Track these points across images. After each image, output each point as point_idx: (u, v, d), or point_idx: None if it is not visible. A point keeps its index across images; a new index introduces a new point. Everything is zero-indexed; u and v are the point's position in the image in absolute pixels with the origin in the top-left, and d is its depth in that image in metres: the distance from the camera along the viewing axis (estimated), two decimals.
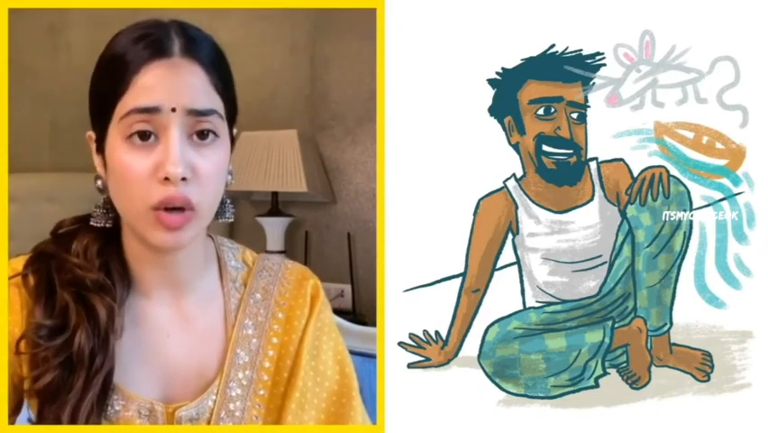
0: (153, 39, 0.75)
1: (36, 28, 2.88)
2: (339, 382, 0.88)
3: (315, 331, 0.88)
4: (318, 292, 0.91)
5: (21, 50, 2.79)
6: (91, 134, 0.81)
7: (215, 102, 0.77)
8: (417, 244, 1.02)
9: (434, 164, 1.02)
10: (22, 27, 2.77)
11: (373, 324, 1.37)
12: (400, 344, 1.03)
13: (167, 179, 0.73)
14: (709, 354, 1.01)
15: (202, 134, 0.76)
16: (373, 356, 1.03)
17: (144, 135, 0.74)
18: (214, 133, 0.77)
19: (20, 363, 0.80)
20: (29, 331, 0.79)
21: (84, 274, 0.81)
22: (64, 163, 2.81)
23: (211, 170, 0.76)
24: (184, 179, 0.73)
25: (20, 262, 0.83)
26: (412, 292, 1.02)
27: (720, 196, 1.01)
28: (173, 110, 0.73)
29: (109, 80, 0.76)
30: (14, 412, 0.82)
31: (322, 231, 2.52)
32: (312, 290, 0.91)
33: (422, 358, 1.02)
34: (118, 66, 0.75)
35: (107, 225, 0.82)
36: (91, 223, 0.82)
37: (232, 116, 0.81)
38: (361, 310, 2.38)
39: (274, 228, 2.35)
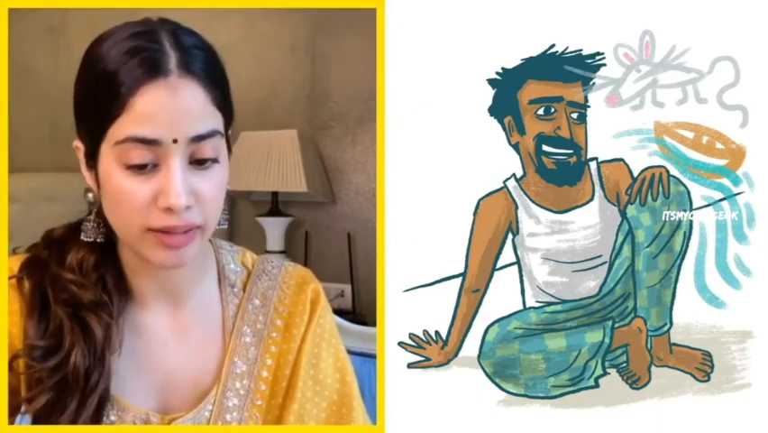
0: (147, 55, 0.71)
1: (36, 28, 2.88)
2: (339, 392, 0.86)
3: (314, 338, 0.86)
4: (319, 297, 0.89)
5: (21, 50, 2.79)
6: (78, 145, 0.77)
7: (216, 120, 0.75)
8: (417, 243, 1.02)
9: (434, 164, 1.02)
10: (23, 27, 2.77)
11: (373, 324, 1.37)
12: (400, 344, 1.03)
13: (169, 208, 0.71)
14: (709, 354, 1.01)
15: (201, 162, 0.73)
16: (373, 356, 1.03)
17: (143, 165, 0.71)
18: (214, 159, 0.74)
19: (17, 376, 0.78)
20: (21, 352, 0.77)
21: (80, 293, 0.78)
22: (64, 163, 2.81)
23: (213, 192, 0.74)
24: (188, 207, 0.72)
25: (15, 263, 0.82)
26: (412, 292, 1.02)
27: (720, 196, 1.01)
28: (174, 141, 0.71)
29: (101, 98, 0.72)
30: (13, 413, 0.80)
31: (322, 231, 2.51)
32: (312, 294, 0.88)
33: (422, 358, 1.02)
34: (110, 84, 0.71)
35: (98, 240, 0.79)
36: (82, 238, 0.79)
37: (229, 123, 0.79)
38: (361, 310, 2.38)
39: (274, 228, 2.34)
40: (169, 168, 0.71)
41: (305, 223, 2.52)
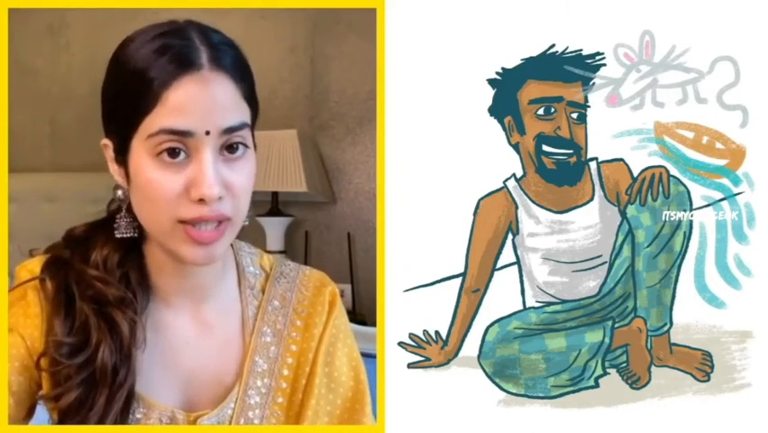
0: (178, 51, 0.72)
1: (36, 28, 2.88)
2: (353, 389, 0.88)
3: (330, 337, 0.88)
4: (336, 299, 0.91)
5: (21, 50, 2.79)
6: (107, 143, 0.78)
7: (245, 113, 0.76)
8: (417, 243, 1.02)
9: (434, 164, 1.02)
10: (23, 27, 2.77)
11: (373, 324, 1.37)
12: (400, 344, 1.03)
13: (201, 200, 0.72)
14: (709, 354, 1.01)
15: (232, 148, 0.74)
16: (373, 356, 1.03)
17: (174, 152, 0.72)
18: (244, 144, 0.75)
19: (40, 375, 0.79)
20: (49, 349, 0.77)
21: (105, 289, 0.79)
22: (64, 163, 2.82)
23: (244, 183, 0.75)
24: (219, 197, 0.72)
25: (36, 265, 0.82)
26: (412, 292, 1.02)
27: (720, 196, 1.01)
28: (207, 133, 0.72)
29: (132, 95, 0.72)
30: (27, 416, 0.81)
31: (322, 231, 2.52)
32: (330, 296, 0.90)
33: (422, 358, 1.02)
34: (142, 81, 0.72)
35: (134, 235, 0.80)
36: (116, 235, 0.80)
37: (255, 117, 0.80)
38: (361, 310, 2.38)
39: (274, 228, 2.35)
40: (200, 159, 0.72)
41: (305, 223, 2.52)
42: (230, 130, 0.73)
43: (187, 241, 0.74)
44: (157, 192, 0.72)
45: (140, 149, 0.73)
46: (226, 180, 0.73)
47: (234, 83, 0.74)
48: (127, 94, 0.73)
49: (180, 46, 0.73)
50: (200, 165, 0.72)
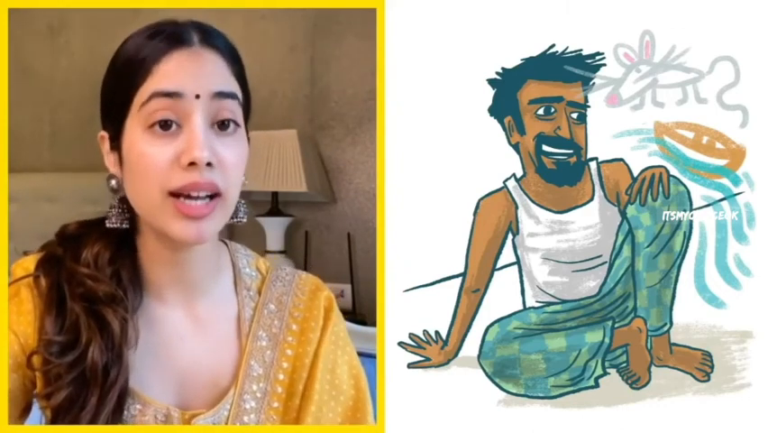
0: (170, 32, 0.75)
1: (36, 28, 2.88)
2: (354, 397, 0.87)
3: (329, 345, 0.87)
4: (332, 305, 0.90)
5: (21, 50, 2.79)
6: (103, 134, 0.79)
7: (236, 88, 0.78)
8: (417, 243, 1.02)
9: (434, 164, 1.02)
10: (23, 27, 2.78)
11: (373, 324, 1.37)
12: (400, 344, 1.03)
13: (191, 164, 0.72)
14: (709, 354, 1.01)
15: (223, 124, 0.75)
16: (373, 356, 1.03)
17: (166, 125, 0.73)
18: (235, 122, 0.76)
19: (33, 373, 0.79)
20: (40, 347, 0.77)
21: (96, 287, 0.78)
22: (64, 163, 2.82)
23: (234, 160, 0.76)
24: (209, 164, 0.73)
25: (31, 262, 0.82)
26: (412, 292, 1.02)
27: (720, 196, 1.01)
28: (197, 96, 0.73)
29: (126, 74, 0.74)
30: (24, 414, 0.81)
31: (322, 231, 2.51)
32: (325, 302, 0.90)
33: (422, 358, 1.02)
34: (135, 60, 0.74)
35: (124, 226, 0.80)
36: (107, 224, 0.80)
37: (247, 112, 0.81)
38: (361, 310, 2.38)
39: (274, 228, 2.34)
40: (191, 125, 0.73)
41: (305, 223, 2.52)
42: (221, 95, 0.74)
43: (177, 216, 0.74)
44: (148, 164, 0.73)
45: (134, 124, 0.74)
46: (217, 152, 0.74)
47: (225, 61, 0.77)
48: (122, 74, 0.75)
49: (172, 29, 0.76)
50: (191, 130, 0.73)
